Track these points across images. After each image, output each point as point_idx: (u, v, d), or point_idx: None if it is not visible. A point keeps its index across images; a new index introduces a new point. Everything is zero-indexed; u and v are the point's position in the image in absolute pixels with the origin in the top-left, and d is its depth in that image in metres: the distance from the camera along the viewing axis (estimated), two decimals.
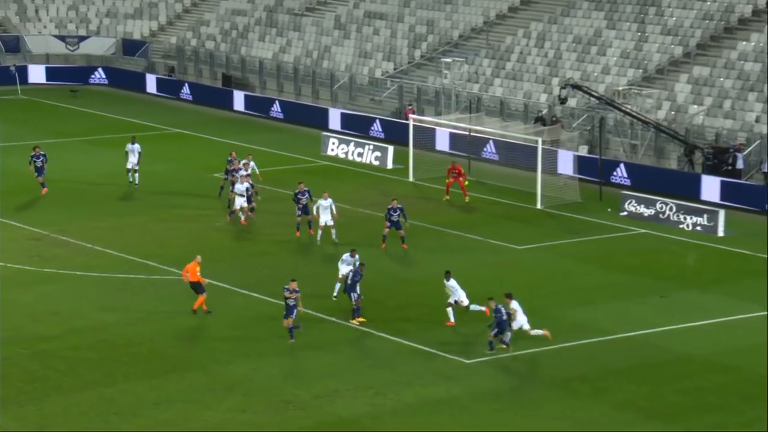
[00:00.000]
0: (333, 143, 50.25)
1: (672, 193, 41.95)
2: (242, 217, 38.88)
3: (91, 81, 64.59)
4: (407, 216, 37.04)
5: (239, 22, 65.73)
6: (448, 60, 52.90)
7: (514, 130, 46.37)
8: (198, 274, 31.00)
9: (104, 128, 54.55)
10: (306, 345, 29.44)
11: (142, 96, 62.44)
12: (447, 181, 43.12)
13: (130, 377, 27.30)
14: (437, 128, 49.51)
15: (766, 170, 43.55)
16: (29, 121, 56.42)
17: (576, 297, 33.25)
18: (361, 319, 30.71)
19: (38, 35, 67.62)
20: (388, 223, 36.71)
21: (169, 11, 69.82)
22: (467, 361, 28.43)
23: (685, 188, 42.99)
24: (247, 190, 39.51)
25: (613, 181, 44.77)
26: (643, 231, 39.84)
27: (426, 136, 49.16)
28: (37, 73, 64.45)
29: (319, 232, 36.97)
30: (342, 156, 49.63)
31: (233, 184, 39.92)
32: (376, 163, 48.58)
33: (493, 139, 47.93)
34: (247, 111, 58.20)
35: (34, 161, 42.45)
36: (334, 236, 36.86)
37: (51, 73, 64.74)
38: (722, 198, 42.40)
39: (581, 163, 45.82)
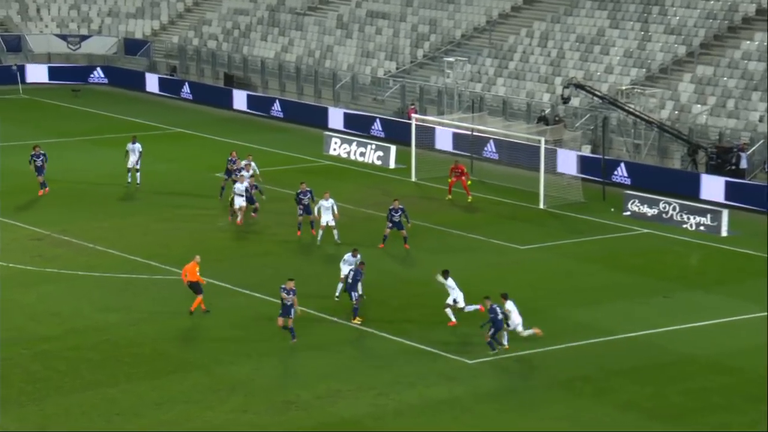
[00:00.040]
0: (335, 143, 50.18)
1: (672, 192, 41.87)
2: (238, 218, 38.74)
3: (91, 80, 64.48)
4: (409, 216, 36.93)
5: (241, 21, 65.66)
6: (451, 59, 52.85)
7: (517, 130, 46.28)
8: (197, 274, 30.91)
9: (106, 128, 54.51)
10: (308, 345, 29.38)
11: (144, 95, 62.38)
12: (449, 180, 43.04)
13: (132, 378, 27.26)
14: (438, 128, 49.43)
15: None
16: (30, 120, 56.39)
17: (579, 297, 33.18)
18: (358, 320, 30.64)
19: (40, 34, 67.58)
20: (390, 224, 36.65)
21: (171, 10, 69.76)
22: (470, 362, 28.37)
23: (686, 187, 42.87)
24: (247, 190, 39.42)
25: (613, 180, 44.65)
26: (646, 231, 39.75)
27: (426, 136, 49.08)
28: (39, 73, 64.34)
29: (320, 232, 36.90)
30: (344, 156, 49.56)
31: (232, 179, 39.85)
32: (379, 162, 48.50)
33: (494, 138, 47.83)
34: (247, 110, 58.10)
35: (34, 161, 42.38)
36: (336, 237, 36.79)
37: (52, 73, 64.65)
38: (725, 198, 42.27)
39: (583, 163, 45.72)
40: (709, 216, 39.55)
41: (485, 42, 56.82)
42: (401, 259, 36.30)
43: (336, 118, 54.24)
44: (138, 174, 43.76)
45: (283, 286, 29.30)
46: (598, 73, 51.35)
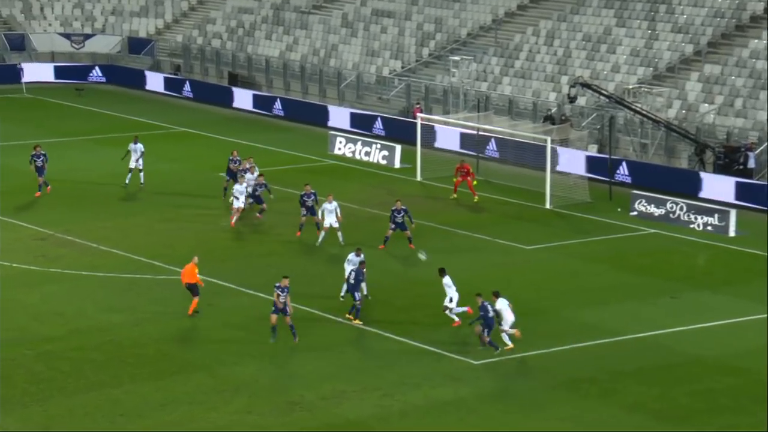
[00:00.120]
0: (340, 142, 50.05)
1: (674, 191, 41.70)
2: (233, 219, 38.54)
3: (90, 79, 64.37)
4: (412, 217, 36.78)
5: (246, 20, 65.55)
6: (457, 58, 52.71)
7: (523, 129, 46.12)
8: (196, 275, 30.78)
9: (109, 127, 54.41)
10: (312, 346, 29.27)
11: (147, 94, 62.28)
12: (455, 180, 42.89)
13: (136, 378, 27.18)
14: (439, 127, 49.28)
15: None
16: (33, 119, 56.32)
17: (585, 297, 33.06)
18: (354, 320, 30.52)
19: (43, 33, 67.50)
20: (393, 225, 36.54)
21: (175, 9, 69.67)
22: (475, 362, 28.26)
23: (688, 186, 42.68)
24: (255, 190, 39.27)
25: (616, 179, 44.45)
26: (653, 231, 39.59)
27: (428, 135, 48.97)
28: (44, 72, 64.22)
29: (323, 233, 36.79)
30: (349, 155, 49.43)
31: (236, 185, 39.75)
32: (384, 162, 48.37)
33: (495, 137, 47.66)
34: (252, 109, 57.97)
35: (35, 161, 42.25)
36: (340, 239, 36.64)
37: (58, 72, 64.57)
38: (734, 197, 42.07)
39: (589, 163, 45.55)
40: (716, 216, 39.37)
41: (491, 41, 56.66)
42: (406, 260, 36.16)
43: (336, 116, 54.11)
44: (141, 174, 43.64)
45: (277, 284, 29.18)
46: (605, 72, 51.17)
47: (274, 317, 29.10)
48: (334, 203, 36.78)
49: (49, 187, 42.32)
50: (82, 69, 64.94)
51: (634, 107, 46.33)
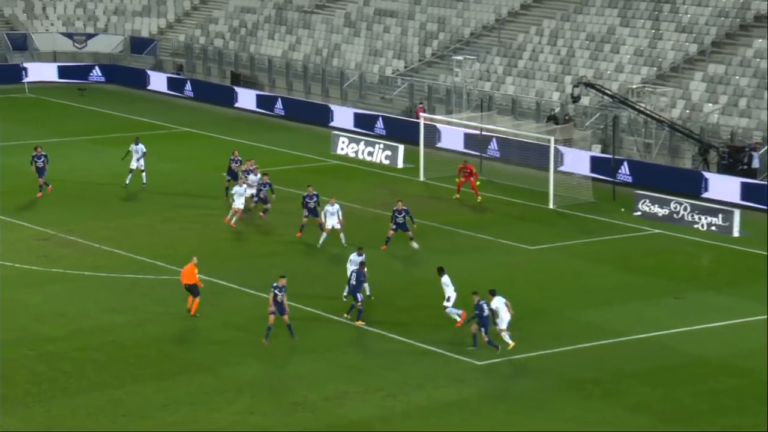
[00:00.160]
0: (343, 142, 49.98)
1: (676, 191, 41.59)
2: (232, 219, 38.43)
3: (90, 79, 64.29)
4: (413, 217, 36.70)
5: (248, 19, 65.48)
6: (460, 58, 52.62)
7: (527, 129, 46.02)
8: (196, 276, 30.72)
9: (111, 127, 54.35)
10: (315, 346, 29.20)
11: (149, 94, 62.21)
12: (458, 180, 42.80)
13: (138, 379, 27.12)
14: (444, 127, 49.20)
15: None
16: (35, 119, 56.26)
17: (589, 298, 32.98)
18: (357, 321, 30.48)
19: (46, 33, 67.45)
20: (394, 226, 36.49)
21: (177, 9, 69.60)
22: (478, 363, 28.18)
23: (689, 186, 42.53)
24: (259, 190, 39.19)
25: (618, 179, 44.33)
26: (657, 231, 39.50)
27: (434, 135, 48.91)
28: (48, 72, 64.13)
29: (324, 235, 36.72)
30: (352, 155, 49.36)
31: (236, 186, 39.68)
32: (387, 162, 48.29)
33: (496, 137, 47.58)
34: (251, 108, 57.88)
35: (35, 161, 42.17)
36: (343, 240, 36.53)
37: (62, 72, 64.48)
38: (734, 197, 41.94)
39: (592, 163, 45.43)
40: (720, 216, 39.26)
41: (494, 40, 56.56)
42: (409, 260, 36.07)
43: (337, 116, 54.01)
44: (143, 174, 43.56)
45: (275, 284, 29.09)
46: (609, 72, 51.06)
47: (272, 318, 29.01)
48: (336, 206, 36.72)
49: (49, 186, 42.26)
50: (87, 69, 64.88)
51: (637, 107, 46.22)
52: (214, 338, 29.87)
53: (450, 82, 53.33)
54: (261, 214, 39.44)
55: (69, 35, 67.07)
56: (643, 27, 52.59)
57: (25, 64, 63.78)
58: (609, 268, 35.62)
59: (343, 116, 53.91)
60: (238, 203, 38.57)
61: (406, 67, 57.15)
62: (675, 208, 40.25)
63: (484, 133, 47.57)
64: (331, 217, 36.57)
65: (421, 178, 45.85)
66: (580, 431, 24.91)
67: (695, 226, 39.62)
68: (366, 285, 31.50)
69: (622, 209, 41.63)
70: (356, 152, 49.35)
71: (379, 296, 32.23)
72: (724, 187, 42.21)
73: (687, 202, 40.15)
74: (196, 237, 37.94)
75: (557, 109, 49.79)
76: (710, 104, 47.37)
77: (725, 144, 44.91)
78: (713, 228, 39.27)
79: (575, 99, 47.38)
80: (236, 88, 59.48)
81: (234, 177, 41.24)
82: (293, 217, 38.79)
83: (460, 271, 33.75)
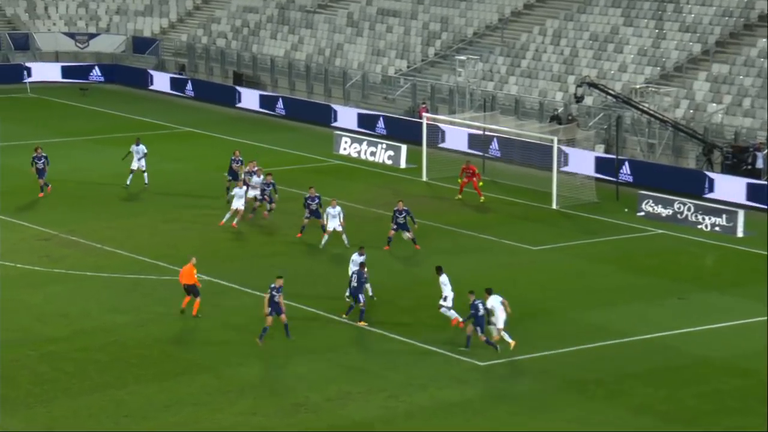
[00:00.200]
0: (345, 142, 49.90)
1: (678, 191, 41.49)
2: (233, 220, 38.30)
3: (91, 79, 64.22)
4: (414, 217, 36.60)
5: (251, 19, 65.40)
6: (463, 58, 52.54)
7: (530, 129, 45.92)
8: (195, 276, 30.64)
9: (113, 127, 54.28)
10: (317, 347, 29.13)
11: (151, 94, 62.14)
12: (460, 181, 42.71)
13: (141, 379, 27.06)
14: (448, 127, 49.13)
15: None
16: (37, 119, 56.19)
17: (592, 298, 32.89)
18: (359, 321, 30.40)
19: (48, 33, 67.39)
20: (395, 226, 36.42)
21: (179, 8, 69.54)
22: (481, 364, 28.11)
23: (691, 186, 42.42)
24: (263, 190, 39.11)
25: (620, 179, 44.29)
26: (660, 231, 39.40)
27: (438, 135, 48.81)
28: (51, 72, 64.04)
29: (326, 237, 36.64)
30: (354, 155, 49.27)
31: (247, 185, 39.59)
32: (389, 162, 48.20)
33: (497, 137, 47.48)
34: (254, 108, 57.81)
35: (35, 162, 42.08)
36: (345, 242, 36.42)
37: (65, 72, 64.41)
38: (740, 198, 41.82)
39: (597, 163, 45.33)
40: (724, 216, 39.15)
41: (497, 40, 56.46)
42: (411, 260, 35.99)
43: (341, 116, 53.92)
44: (145, 174, 43.48)
45: (272, 284, 29.01)
46: (612, 72, 50.96)
47: (270, 319, 28.91)
48: (338, 208, 36.65)
49: (49, 186, 42.17)
50: (90, 69, 64.79)
51: (641, 107, 46.12)
52: (216, 339, 29.79)
53: (453, 82, 53.23)
54: (265, 213, 39.35)
55: (71, 35, 67.01)
56: (646, 27, 52.48)
57: (29, 64, 63.75)
58: (612, 269, 35.52)
59: (346, 116, 53.82)
60: (237, 204, 38.44)
61: (408, 67, 57.06)
62: (678, 208, 40.14)
63: (487, 133, 47.48)
64: (332, 219, 36.51)
65: (424, 179, 45.76)
66: None
67: (699, 226, 39.50)
68: (368, 286, 31.41)
69: (626, 209, 41.53)
70: (359, 152, 49.26)
71: (381, 297, 32.15)
72: (729, 187, 42.05)
73: (690, 203, 40.04)
74: (198, 237, 37.86)
75: (560, 109, 49.69)
76: (714, 104, 47.25)
77: (729, 144, 44.79)
78: (717, 228, 39.15)
79: (578, 99, 47.28)
80: (240, 89, 59.41)
81: (235, 177, 41.15)
82: (295, 218, 38.70)
83: (463, 271, 33.68)
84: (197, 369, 27.70)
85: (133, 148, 43.52)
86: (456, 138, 49.31)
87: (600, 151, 46.88)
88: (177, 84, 62.08)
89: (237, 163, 41.65)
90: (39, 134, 50.99)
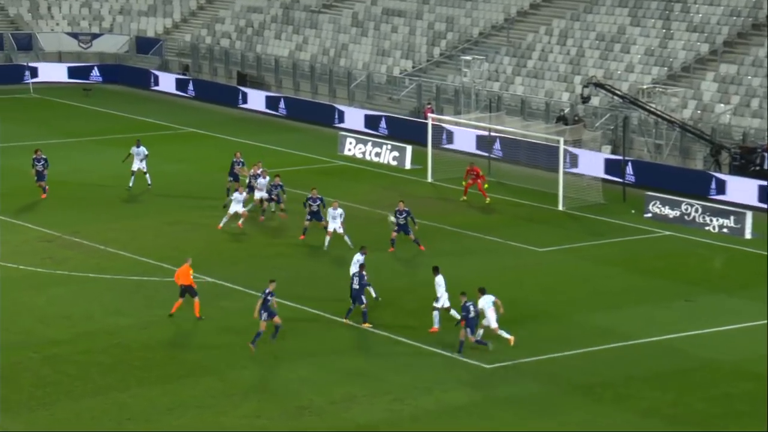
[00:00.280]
0: (350, 143, 49.72)
1: (680, 191, 41.29)
2: (221, 223, 38.08)
3: (91, 79, 64.06)
4: (414, 218, 36.41)
5: (255, 19, 65.26)
6: (468, 58, 52.36)
7: (536, 130, 45.72)
8: (191, 277, 30.48)
9: (116, 128, 54.15)
10: (321, 349, 28.98)
11: (154, 94, 62.02)
12: (465, 183, 42.52)
13: (144, 382, 26.93)
14: (456, 128, 48.97)
15: None
16: (40, 120, 56.09)
17: (599, 301, 32.72)
18: (367, 324, 30.25)
19: (51, 33, 67.26)
20: (397, 227, 36.17)
21: (183, 8, 69.42)
22: (487, 366, 27.94)
23: (696, 186, 42.21)
24: (270, 191, 38.97)
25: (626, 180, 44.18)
26: (667, 233, 39.20)
27: (446, 136, 48.62)
28: (56, 72, 63.94)
29: (327, 238, 36.46)
30: (359, 156, 49.11)
31: (251, 188, 39.40)
32: (394, 163, 48.03)
33: (502, 137, 47.27)
34: (259, 109, 57.65)
35: (35, 164, 41.89)
36: (349, 243, 36.19)
37: (71, 72, 64.29)
38: (751, 199, 41.59)
39: (606, 165, 45.13)
40: (732, 218, 38.91)
41: (503, 40, 56.27)
42: (416, 262, 35.80)
43: (348, 117, 53.76)
44: (147, 175, 43.29)
45: (267, 289, 28.84)
46: (619, 72, 50.74)
47: (264, 324, 28.71)
48: (339, 210, 36.48)
49: (47, 188, 41.93)
50: (95, 69, 64.66)
51: (648, 108, 45.91)
52: (220, 341, 29.61)
53: (458, 83, 53.04)
54: (281, 214, 39.05)
55: (74, 35, 66.90)
56: (653, 26, 52.26)
57: (35, 65, 63.65)
58: (619, 271, 35.33)
59: (353, 117, 53.62)
60: (236, 209, 38.15)
61: (414, 67, 56.88)
62: (686, 209, 39.90)
63: (492, 134, 47.28)
64: (333, 221, 36.37)
65: (429, 180, 45.56)
66: None
67: (707, 228, 39.26)
68: (370, 289, 31.21)
69: (633, 211, 41.32)
70: (363, 153, 49.08)
71: (385, 298, 32.00)
72: (741, 189, 41.75)
73: (698, 204, 39.81)
74: (201, 239, 37.71)
75: (567, 110, 49.50)
76: (722, 105, 47.02)
77: (737, 145, 44.56)
78: (725, 230, 38.91)
79: (585, 99, 47.08)
80: (246, 89, 59.25)
81: (236, 178, 40.97)
82: (299, 219, 38.52)
83: (468, 273, 33.52)
84: (201, 372, 27.55)
85: (134, 149, 43.34)
86: (464, 139, 49.12)
87: (607, 152, 46.66)
88: (182, 85, 61.93)
89: (238, 165, 41.43)
90: (41, 135, 50.88)
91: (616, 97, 47.58)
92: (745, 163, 43.53)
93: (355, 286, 30.37)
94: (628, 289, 33.66)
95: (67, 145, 50.48)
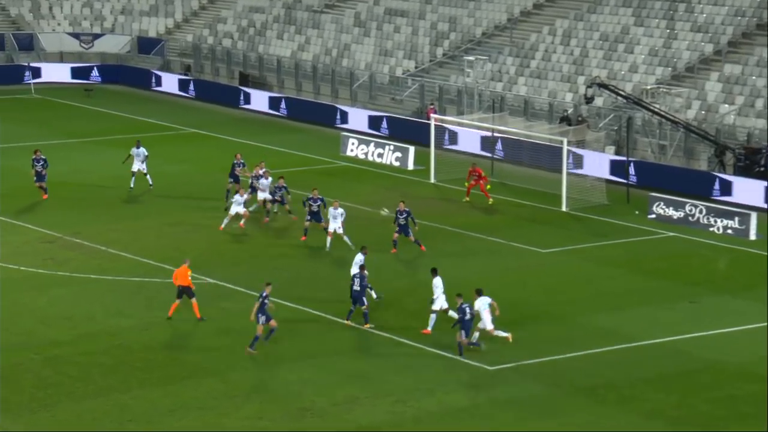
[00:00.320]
0: (352, 144, 49.63)
1: (684, 192, 41.21)
2: (222, 224, 37.99)
3: (92, 79, 63.98)
4: (415, 219, 36.31)
5: (257, 19, 65.19)
6: (471, 58, 52.30)
7: (539, 130, 45.61)
8: (189, 278, 30.43)
9: (117, 128, 54.09)
10: (323, 351, 28.90)
11: (155, 95, 61.97)
12: (467, 184, 42.41)
13: (145, 383, 26.86)
14: (460, 129, 48.88)
15: None
16: (41, 120, 56.02)
17: (602, 302, 32.63)
18: (368, 325, 30.16)
19: (52, 33, 67.21)
20: (397, 227, 36.10)
21: (185, 8, 69.36)
22: (490, 368, 27.87)
23: (696, 187, 42.09)
24: (274, 193, 38.92)
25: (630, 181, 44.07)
26: (671, 234, 39.10)
27: (450, 137, 48.52)
28: (59, 72, 63.88)
29: (329, 239, 36.37)
30: (362, 157, 49.03)
31: (253, 189, 39.29)
32: (397, 164, 47.94)
33: (504, 138, 47.17)
34: (261, 110, 57.57)
35: (34, 165, 41.79)
36: (350, 244, 36.08)
37: (74, 72, 64.22)
38: (757, 200, 41.46)
39: (611, 166, 45.01)
40: (736, 219, 38.78)
41: (506, 40, 56.16)
42: (419, 263, 35.69)
43: (351, 118, 53.67)
44: (148, 176, 43.20)
45: (264, 293, 28.74)
46: (623, 72, 50.62)
47: (261, 327, 28.59)
48: (340, 209, 36.38)
49: (45, 192, 41.86)
50: (98, 69, 64.60)
51: (652, 108, 45.79)
52: (222, 343, 29.53)
53: (461, 83, 52.95)
54: (290, 216, 38.82)
55: (76, 35, 66.84)
56: (657, 27, 52.14)
57: (38, 65, 63.58)
58: (622, 272, 35.23)
59: (356, 118, 53.52)
60: (237, 210, 38.04)
61: (416, 68, 56.79)
62: (690, 210, 39.77)
63: (495, 134, 47.18)
64: (334, 221, 36.29)
65: (432, 180, 45.46)
66: None
67: (711, 229, 39.14)
68: (372, 291, 31.10)
69: (636, 212, 41.22)
70: (366, 154, 49.00)
71: (387, 300, 31.93)
72: (747, 190, 41.59)
73: (702, 205, 39.68)
74: (202, 240, 37.64)
75: (570, 110, 49.39)
76: (726, 105, 46.90)
77: (741, 145, 44.43)
78: (729, 231, 38.77)
79: (588, 100, 46.98)
80: (248, 90, 59.17)
81: (237, 180, 40.88)
82: (301, 220, 38.44)
83: (471, 274, 33.44)
84: (203, 373, 27.48)
85: (134, 150, 43.25)
86: (468, 140, 49.02)
87: (610, 153, 46.54)
88: (184, 85, 61.86)
89: (239, 166, 41.32)
90: (42, 135, 50.82)
91: (619, 98, 47.47)
92: (750, 163, 43.40)
93: (356, 287, 30.29)
94: (632, 291, 33.56)
95: (68, 146, 50.42)
